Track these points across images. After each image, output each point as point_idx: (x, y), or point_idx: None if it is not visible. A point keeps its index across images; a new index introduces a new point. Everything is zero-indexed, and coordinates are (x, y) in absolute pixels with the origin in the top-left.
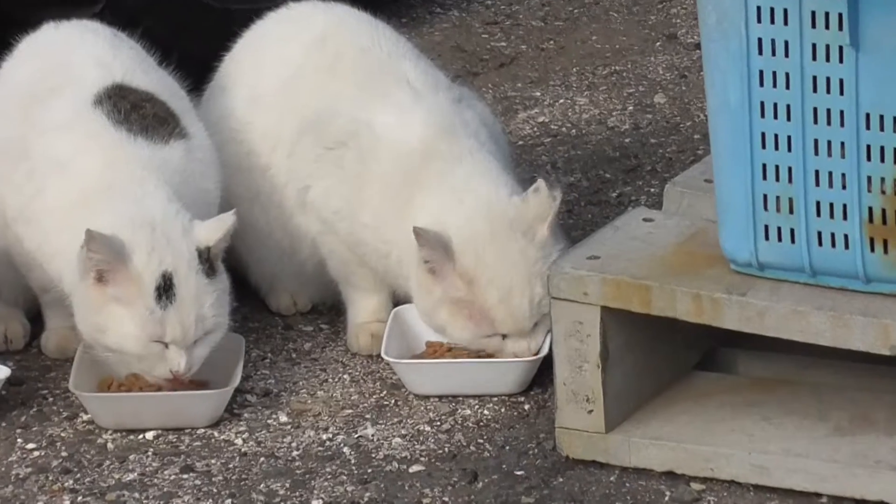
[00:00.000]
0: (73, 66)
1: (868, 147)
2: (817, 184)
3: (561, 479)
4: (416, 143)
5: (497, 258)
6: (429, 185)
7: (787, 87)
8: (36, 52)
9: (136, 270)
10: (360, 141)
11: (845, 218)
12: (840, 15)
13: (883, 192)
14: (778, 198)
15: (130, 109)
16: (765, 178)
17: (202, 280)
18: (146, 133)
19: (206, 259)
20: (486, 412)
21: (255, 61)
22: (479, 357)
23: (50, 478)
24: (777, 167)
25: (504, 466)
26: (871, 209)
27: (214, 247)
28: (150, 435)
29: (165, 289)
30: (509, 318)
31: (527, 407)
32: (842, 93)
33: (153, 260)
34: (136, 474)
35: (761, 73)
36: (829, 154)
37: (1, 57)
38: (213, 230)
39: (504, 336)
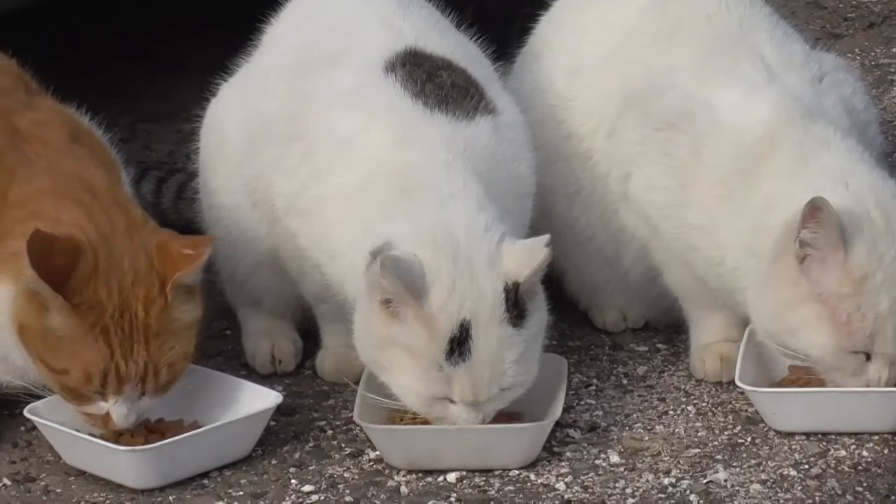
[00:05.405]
0: (356, 30)
1: None
2: None
3: None
4: (762, 130)
5: None
6: (786, 171)
7: None
8: (308, 13)
9: (430, 314)
10: (695, 124)
11: None
12: None
13: None
14: None
15: (426, 79)
16: None
17: (506, 331)
18: (446, 107)
19: (512, 300)
20: (865, 453)
21: (578, 24)
22: (848, 385)
23: None
24: None
25: None
26: None
27: (524, 283)
28: (451, 477)
29: (460, 342)
30: (892, 336)
31: None
32: None
33: (452, 302)
34: None
35: None
36: None
37: None
38: (524, 262)
39: (869, 357)
